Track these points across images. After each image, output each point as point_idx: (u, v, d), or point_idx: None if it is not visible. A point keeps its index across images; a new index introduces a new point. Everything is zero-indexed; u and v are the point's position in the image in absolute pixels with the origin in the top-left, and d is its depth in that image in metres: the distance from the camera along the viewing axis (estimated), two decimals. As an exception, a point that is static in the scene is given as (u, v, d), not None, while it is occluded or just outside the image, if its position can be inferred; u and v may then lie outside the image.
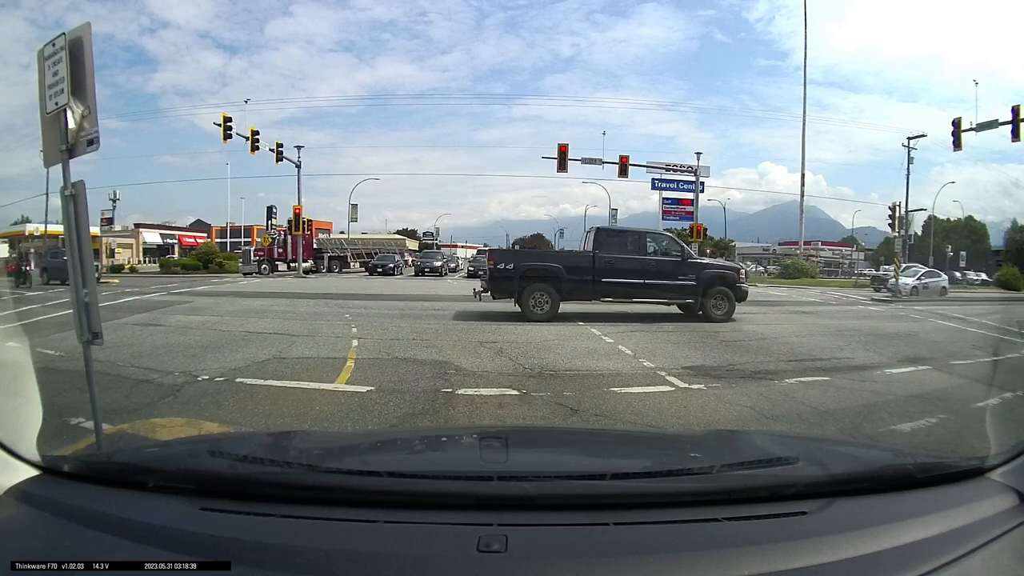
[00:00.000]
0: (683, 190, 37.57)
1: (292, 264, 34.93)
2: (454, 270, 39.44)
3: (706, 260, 13.50)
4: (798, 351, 8.25)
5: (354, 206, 51.55)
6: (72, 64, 2.75)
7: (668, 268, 11.47)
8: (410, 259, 40.30)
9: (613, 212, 62.72)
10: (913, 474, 1.29)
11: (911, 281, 24.22)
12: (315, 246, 36.84)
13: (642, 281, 11.38)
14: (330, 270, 36.19)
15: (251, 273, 32.03)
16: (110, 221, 46.93)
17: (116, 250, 48.45)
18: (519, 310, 11.15)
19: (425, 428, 4.14)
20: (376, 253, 37.84)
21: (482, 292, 11.69)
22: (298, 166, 33.18)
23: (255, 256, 35.23)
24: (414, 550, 0.98)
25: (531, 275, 11.08)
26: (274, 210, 38.88)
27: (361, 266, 39.03)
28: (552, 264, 11.39)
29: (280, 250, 35.66)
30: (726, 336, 9.61)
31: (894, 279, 24.04)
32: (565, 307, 11.33)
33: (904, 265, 27.38)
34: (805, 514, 1.10)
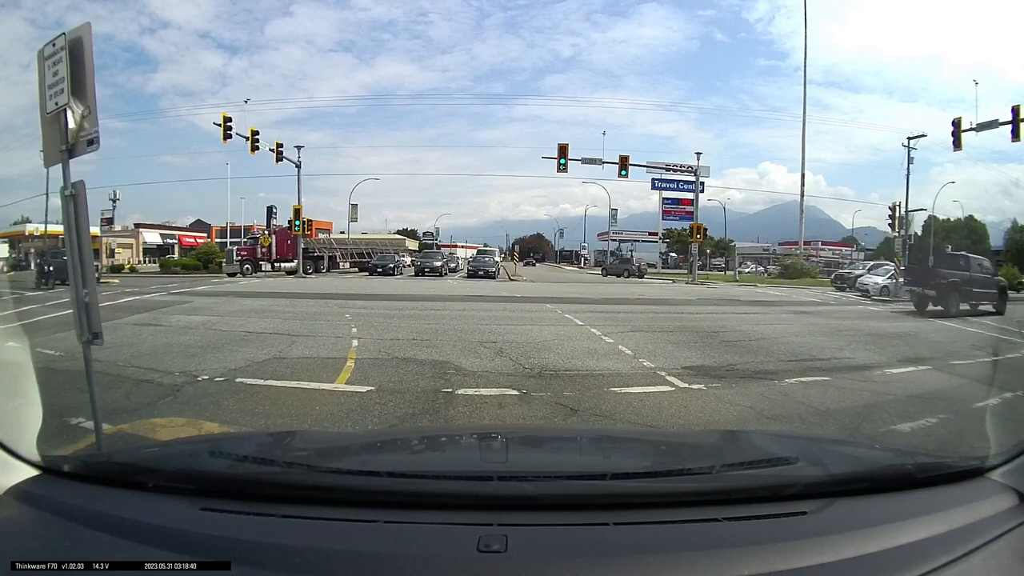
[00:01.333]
0: (683, 190, 37.64)
1: (276, 264, 33.94)
2: (454, 270, 39.40)
3: (995, 276, 18.45)
4: (798, 351, 8.25)
5: (354, 206, 51.53)
6: (72, 64, 2.75)
7: (987, 281, 16.72)
8: (409, 259, 40.02)
9: (613, 212, 62.98)
10: (913, 474, 1.29)
11: (881, 280, 22.91)
12: (302, 246, 35.96)
13: (980, 289, 16.25)
14: (316, 271, 34.64)
15: (235, 274, 31.09)
16: (110, 221, 46.94)
17: (116, 250, 48.41)
18: (915, 310, 15.73)
19: (425, 428, 4.13)
20: (370, 253, 37.06)
21: (924, 298, 15.74)
22: (298, 166, 33.16)
23: (237, 256, 33.67)
24: (414, 550, 0.98)
25: (953, 286, 15.43)
26: (274, 210, 38.74)
27: (352, 266, 38.22)
28: (959, 279, 15.77)
29: (264, 250, 34.57)
30: (726, 336, 9.61)
31: (865, 275, 23.31)
32: (570, 310, 11.20)
33: (872, 263, 26.84)
34: (805, 514, 1.10)
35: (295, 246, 33.75)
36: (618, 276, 36.63)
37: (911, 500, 1.19)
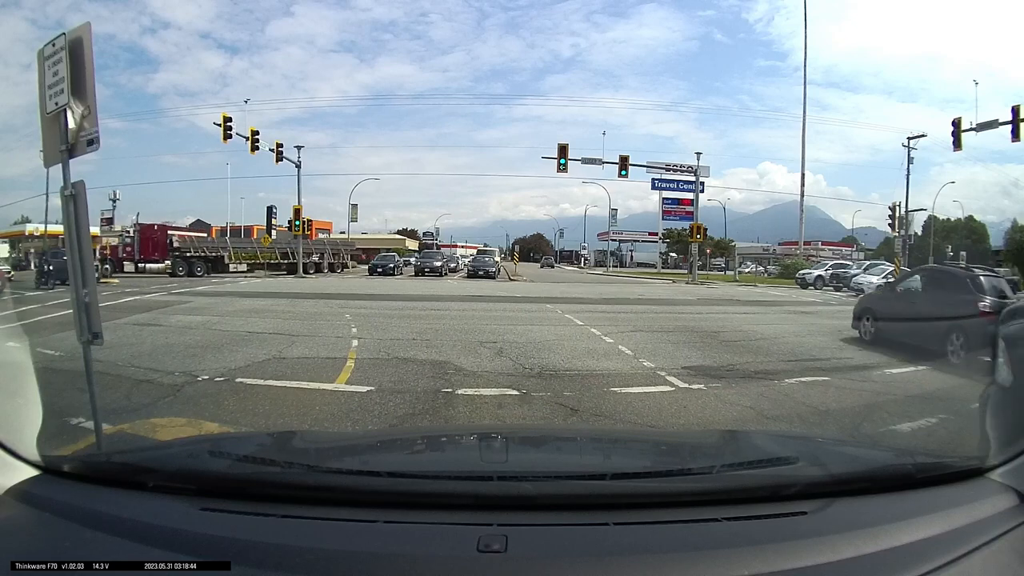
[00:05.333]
0: (683, 190, 37.65)
1: (140, 265, 31.16)
2: (454, 270, 39.42)
3: None
4: (798, 351, 8.26)
5: (354, 206, 51.61)
6: (72, 64, 2.75)
7: None
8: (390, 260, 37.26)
9: (613, 212, 62.91)
10: (913, 474, 1.29)
11: (875, 279, 22.47)
12: (175, 244, 31.76)
13: None
14: (190, 274, 29.71)
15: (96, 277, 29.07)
16: (110, 221, 46.86)
17: (116, 250, 48.34)
18: None
19: (425, 428, 4.14)
20: (291, 254, 32.75)
21: None
22: (298, 166, 33.11)
23: (99, 255, 29.60)
24: (414, 550, 0.97)
25: None
26: (274, 210, 37.85)
27: (251, 270, 33.34)
28: None
29: (128, 249, 31.52)
30: (726, 336, 9.61)
31: (861, 275, 23.33)
32: (570, 310, 11.29)
33: (868, 263, 26.68)
34: (805, 514, 1.10)
35: (162, 246, 31.28)
36: (551, 268, 59.79)
37: (911, 500, 1.19)
